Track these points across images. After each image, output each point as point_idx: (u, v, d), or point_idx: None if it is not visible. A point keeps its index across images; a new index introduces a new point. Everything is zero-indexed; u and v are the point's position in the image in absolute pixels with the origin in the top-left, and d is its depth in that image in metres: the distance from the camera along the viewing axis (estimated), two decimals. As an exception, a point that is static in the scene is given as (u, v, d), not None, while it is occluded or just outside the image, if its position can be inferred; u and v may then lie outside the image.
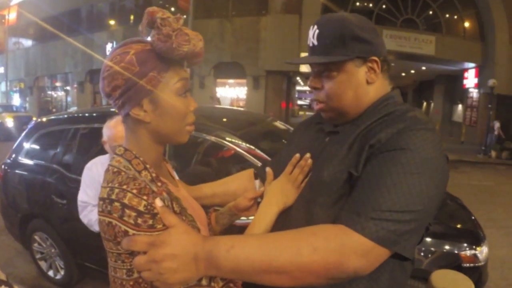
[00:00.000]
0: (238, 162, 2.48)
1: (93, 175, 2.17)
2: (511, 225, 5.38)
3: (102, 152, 2.28)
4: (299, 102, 40.83)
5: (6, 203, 3.49)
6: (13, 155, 3.42)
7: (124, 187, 0.73)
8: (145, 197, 0.72)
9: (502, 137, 13.46)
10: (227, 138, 2.39)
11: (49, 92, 25.43)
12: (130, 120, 0.82)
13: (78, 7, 20.69)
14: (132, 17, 18.74)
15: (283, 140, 2.99)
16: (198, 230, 0.86)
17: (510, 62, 14.80)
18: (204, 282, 0.78)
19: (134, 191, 0.72)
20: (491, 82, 13.17)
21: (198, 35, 0.78)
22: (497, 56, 14.85)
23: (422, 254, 2.26)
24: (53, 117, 3.40)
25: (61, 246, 3.05)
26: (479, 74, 15.82)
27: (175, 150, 2.69)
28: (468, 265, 2.30)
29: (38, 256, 3.34)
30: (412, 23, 15.30)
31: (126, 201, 0.71)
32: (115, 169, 0.79)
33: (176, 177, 1.06)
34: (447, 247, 2.33)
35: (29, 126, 3.45)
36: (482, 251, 2.39)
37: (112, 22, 19.61)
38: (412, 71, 18.99)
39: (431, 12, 15.45)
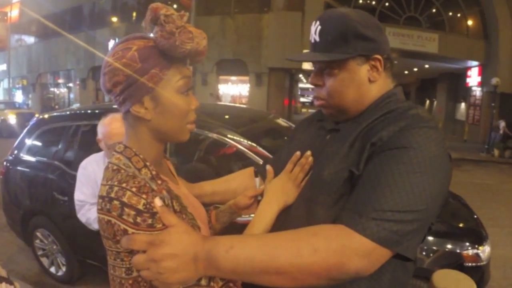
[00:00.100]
0: (239, 160, 2.48)
1: (89, 173, 2.17)
2: (514, 224, 5.36)
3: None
4: (302, 99, 40.79)
5: (8, 200, 3.50)
6: (15, 152, 3.43)
7: (124, 185, 0.72)
8: (144, 196, 0.71)
9: (510, 136, 13.37)
10: (229, 136, 2.38)
11: (52, 89, 25.50)
12: (131, 117, 0.81)
13: (80, 4, 20.71)
14: (134, 14, 18.74)
15: (285, 138, 2.98)
16: (199, 229, 0.86)
17: (513, 61, 14.76)
18: (203, 282, 0.77)
19: (134, 189, 0.72)
20: (494, 80, 13.12)
21: (202, 33, 0.77)
22: (501, 54, 14.80)
23: (424, 253, 2.26)
24: (54, 114, 3.41)
25: (62, 243, 3.06)
26: (482, 73, 15.77)
27: (177, 147, 2.68)
28: (470, 264, 2.29)
29: (40, 252, 3.36)
30: (415, 20, 15.25)
31: (125, 199, 0.71)
32: (115, 167, 0.79)
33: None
34: (449, 246, 2.32)
35: (31, 123, 3.45)
36: (485, 251, 2.38)
37: (114, 19, 19.63)
38: (415, 69, 18.95)
39: (434, 10, 15.39)
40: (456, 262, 2.28)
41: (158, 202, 0.71)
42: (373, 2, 15.45)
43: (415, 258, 0.78)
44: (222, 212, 1.10)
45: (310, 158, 0.95)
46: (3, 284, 1.11)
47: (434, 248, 2.28)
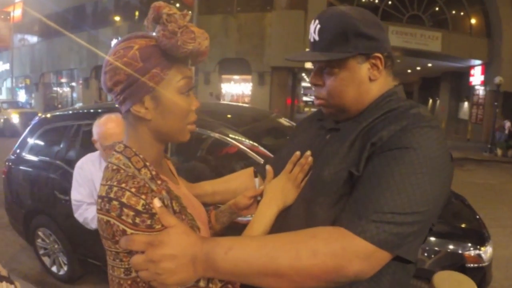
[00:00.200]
0: (241, 159, 2.47)
1: (85, 173, 2.17)
2: (516, 224, 5.34)
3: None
4: (305, 98, 40.76)
5: (10, 199, 3.51)
6: (17, 151, 3.44)
7: (123, 185, 0.72)
8: (143, 196, 0.71)
9: None
10: (231, 135, 2.38)
11: (55, 88, 25.56)
12: (131, 116, 0.81)
13: (82, 3, 20.77)
14: (137, 13, 18.77)
15: (287, 137, 2.97)
16: (198, 229, 0.85)
17: (516, 60, 14.69)
18: (202, 283, 0.77)
19: (133, 189, 0.71)
20: (497, 79, 13.08)
21: (204, 33, 0.76)
22: (504, 53, 14.75)
23: (425, 253, 2.24)
24: (56, 113, 3.41)
25: (64, 242, 3.06)
26: (485, 71, 15.72)
27: (178, 147, 2.68)
28: (472, 265, 2.27)
29: (41, 252, 3.37)
30: (418, 19, 15.22)
31: (124, 200, 0.70)
32: (114, 167, 0.78)
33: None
34: (451, 246, 2.30)
35: (33, 122, 3.45)
36: (487, 251, 2.37)
37: (117, 18, 19.67)
38: (418, 68, 18.89)
39: (437, 8, 15.35)
40: (457, 263, 2.26)
41: (157, 203, 0.71)
42: (376, 1, 15.39)
43: (415, 260, 0.77)
44: (222, 212, 1.09)
45: (310, 158, 0.94)
46: (4, 283, 1.11)
47: (436, 248, 2.26)
